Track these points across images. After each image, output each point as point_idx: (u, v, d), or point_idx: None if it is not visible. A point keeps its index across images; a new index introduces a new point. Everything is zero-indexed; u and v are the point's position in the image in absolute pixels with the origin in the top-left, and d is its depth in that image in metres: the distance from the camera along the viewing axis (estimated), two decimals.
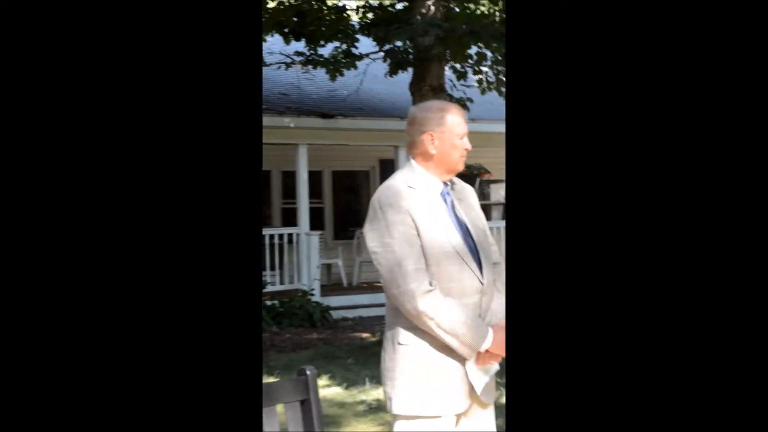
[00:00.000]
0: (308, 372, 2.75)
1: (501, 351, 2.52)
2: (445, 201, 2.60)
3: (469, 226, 2.61)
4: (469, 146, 2.63)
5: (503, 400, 5.53)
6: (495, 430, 2.69)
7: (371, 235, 2.55)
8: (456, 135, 2.60)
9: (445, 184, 2.64)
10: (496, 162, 13.07)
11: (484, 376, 2.56)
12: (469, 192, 2.76)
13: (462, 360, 2.51)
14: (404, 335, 2.52)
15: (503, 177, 14.54)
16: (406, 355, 2.52)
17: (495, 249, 2.71)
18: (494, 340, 2.50)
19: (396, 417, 2.56)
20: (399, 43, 9.65)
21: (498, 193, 14.73)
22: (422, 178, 2.60)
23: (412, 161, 2.64)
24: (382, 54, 9.90)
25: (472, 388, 2.54)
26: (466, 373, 2.52)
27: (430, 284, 2.45)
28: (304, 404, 2.58)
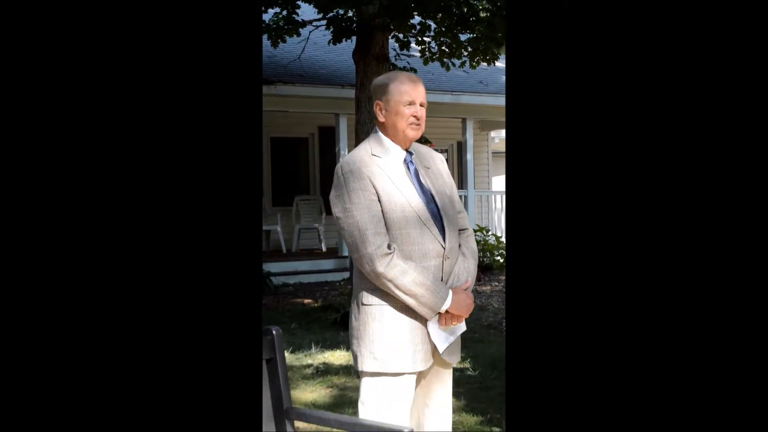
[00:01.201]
0: (273, 332, 2.83)
1: (461, 312, 2.64)
2: (408, 168, 2.70)
3: (434, 192, 2.72)
4: (417, 112, 2.68)
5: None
6: (450, 388, 2.81)
7: (335, 202, 2.66)
8: (400, 102, 2.67)
9: (410, 152, 2.74)
10: (437, 131, 13.22)
11: (448, 336, 2.68)
12: (439, 160, 2.86)
13: (424, 320, 2.64)
14: (367, 297, 2.64)
15: (442, 147, 14.72)
16: (369, 315, 2.64)
17: (463, 216, 2.83)
18: (454, 301, 2.62)
19: (362, 374, 2.68)
20: (342, 11, 9.67)
21: None
22: (386, 146, 2.70)
23: (378, 131, 2.74)
24: (324, 21, 9.89)
25: (435, 348, 2.67)
26: (428, 333, 2.65)
27: (389, 247, 2.56)
28: (270, 363, 2.67)
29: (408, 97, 2.68)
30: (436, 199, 2.71)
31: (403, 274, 2.54)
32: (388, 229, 2.59)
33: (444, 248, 2.66)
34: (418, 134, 2.71)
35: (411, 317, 2.62)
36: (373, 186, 2.60)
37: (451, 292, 2.63)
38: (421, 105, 2.70)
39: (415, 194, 2.65)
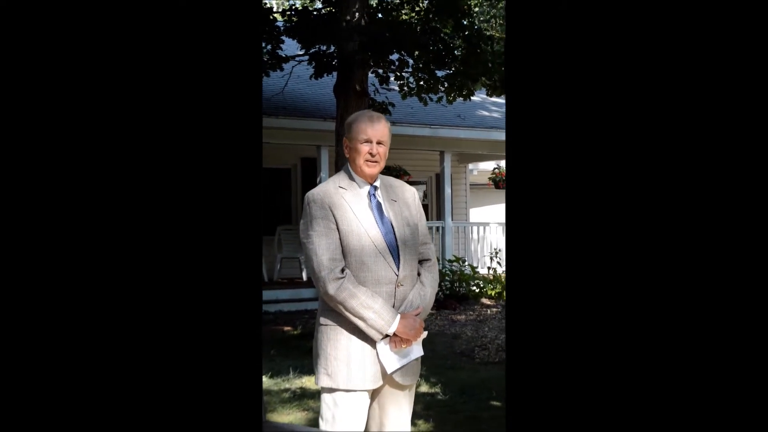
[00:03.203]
0: None
1: (409, 335, 2.86)
2: (371, 200, 2.97)
3: (394, 224, 2.96)
4: (372, 149, 2.95)
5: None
6: (408, 410, 3.02)
7: (301, 228, 2.95)
8: (357, 140, 2.96)
9: (374, 186, 3.00)
10: (415, 164, 13.54)
11: (400, 359, 2.88)
12: (409, 194, 3.10)
13: (374, 342, 2.86)
14: (324, 317, 2.92)
15: (421, 179, 15.02)
16: (324, 335, 2.91)
17: (427, 247, 3.07)
18: (401, 325, 2.84)
19: (321, 390, 2.93)
20: (323, 47, 10.01)
21: None
22: (352, 180, 2.99)
23: (348, 165, 3.02)
24: (307, 57, 10.22)
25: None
26: (377, 353, 2.87)
27: (342, 272, 2.82)
28: None
29: (364, 135, 2.95)
30: (396, 230, 2.95)
31: (352, 297, 2.79)
32: (345, 256, 2.85)
33: (397, 276, 2.90)
34: (374, 170, 2.96)
35: (361, 338, 2.85)
36: (333, 215, 2.86)
37: (399, 316, 2.84)
38: (378, 143, 2.95)
39: (374, 225, 2.90)
